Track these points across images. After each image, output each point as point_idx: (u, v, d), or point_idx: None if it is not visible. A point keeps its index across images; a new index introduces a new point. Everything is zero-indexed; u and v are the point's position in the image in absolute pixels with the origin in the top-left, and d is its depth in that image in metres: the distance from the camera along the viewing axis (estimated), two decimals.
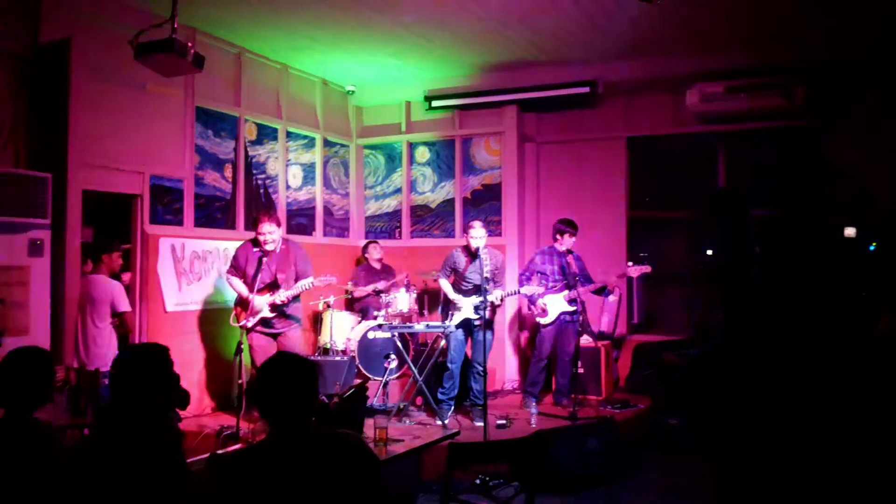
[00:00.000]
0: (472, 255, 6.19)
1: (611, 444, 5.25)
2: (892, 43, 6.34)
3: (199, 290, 6.57)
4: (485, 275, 5.82)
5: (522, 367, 7.90)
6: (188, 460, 2.78)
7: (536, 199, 8.43)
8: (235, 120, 7.12)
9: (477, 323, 6.20)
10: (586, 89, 7.56)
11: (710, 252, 7.83)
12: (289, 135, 7.82)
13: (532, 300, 6.70)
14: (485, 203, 8.30)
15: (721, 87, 7.07)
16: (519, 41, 6.92)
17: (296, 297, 5.78)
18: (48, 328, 5.10)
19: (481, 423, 5.68)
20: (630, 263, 6.54)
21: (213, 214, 6.88)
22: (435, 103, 8.27)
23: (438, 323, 6.43)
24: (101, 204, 5.91)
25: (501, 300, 6.35)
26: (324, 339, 7.17)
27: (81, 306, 5.32)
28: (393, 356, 6.52)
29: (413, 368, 6.21)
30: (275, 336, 5.80)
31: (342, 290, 7.65)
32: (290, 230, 7.58)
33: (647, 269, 6.52)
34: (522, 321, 8.06)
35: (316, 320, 7.61)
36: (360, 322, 7.28)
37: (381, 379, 6.56)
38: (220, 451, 3.55)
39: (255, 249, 5.75)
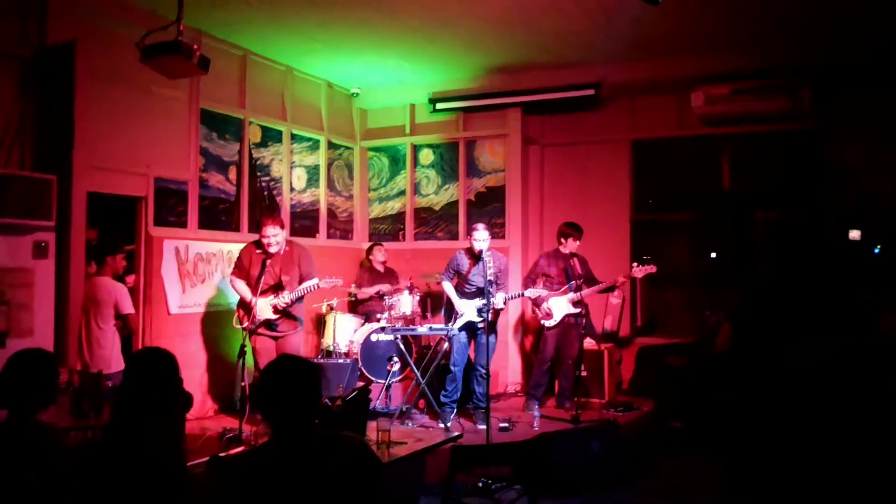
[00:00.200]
0: (476, 257, 6.18)
1: (614, 447, 5.23)
2: (894, 43, 6.33)
3: (203, 293, 6.57)
4: (488, 277, 5.81)
5: (525, 369, 7.89)
6: (190, 463, 2.78)
7: (540, 201, 8.41)
8: (240, 122, 7.13)
9: (480, 326, 6.19)
10: (591, 91, 7.55)
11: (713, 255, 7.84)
12: (293, 137, 7.82)
13: (537, 303, 6.70)
14: (488, 205, 8.29)
15: (726, 89, 7.05)
16: (523, 43, 6.91)
17: (299, 299, 5.79)
18: (52, 330, 5.10)
19: (484, 426, 5.67)
20: (635, 264, 6.53)
21: (218, 216, 6.89)
22: (439, 106, 8.26)
23: (441, 325, 6.42)
24: (106, 206, 5.91)
25: (505, 303, 6.35)
26: (327, 341, 7.17)
27: (85, 308, 5.33)
28: (396, 359, 6.52)
29: (416, 371, 6.21)
30: (276, 339, 5.80)
31: (345, 292, 7.65)
32: (293, 232, 7.58)
33: (652, 269, 6.49)
34: (526, 325, 8.05)
35: (319, 323, 7.62)
36: (363, 324, 7.28)
37: (383, 382, 6.56)
38: (221, 454, 3.56)
39: (258, 251, 5.76)
